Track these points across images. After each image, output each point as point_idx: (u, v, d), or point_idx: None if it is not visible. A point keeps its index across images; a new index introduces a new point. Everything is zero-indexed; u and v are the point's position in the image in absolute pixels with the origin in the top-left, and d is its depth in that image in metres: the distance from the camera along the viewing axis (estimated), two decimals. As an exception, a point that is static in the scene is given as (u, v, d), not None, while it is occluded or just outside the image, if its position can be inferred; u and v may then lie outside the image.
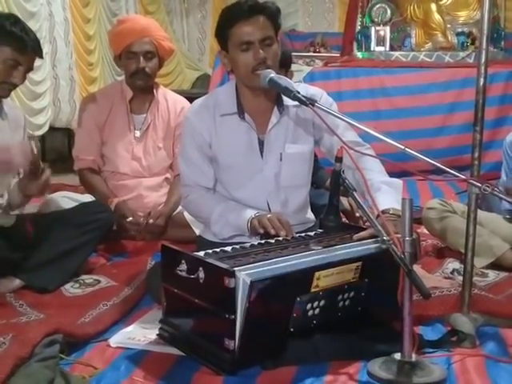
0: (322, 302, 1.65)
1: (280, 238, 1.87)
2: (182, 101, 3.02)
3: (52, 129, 5.32)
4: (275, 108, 2.06)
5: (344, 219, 3.00)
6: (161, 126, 2.95)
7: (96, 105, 2.92)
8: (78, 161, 2.94)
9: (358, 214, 2.78)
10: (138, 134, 2.92)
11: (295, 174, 2.11)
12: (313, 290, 1.61)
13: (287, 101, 2.03)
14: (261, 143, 2.07)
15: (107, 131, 2.91)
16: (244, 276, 1.49)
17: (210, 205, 2.09)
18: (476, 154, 1.84)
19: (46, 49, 4.95)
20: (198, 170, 2.12)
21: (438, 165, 1.67)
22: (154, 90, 2.94)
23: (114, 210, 2.71)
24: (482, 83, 1.83)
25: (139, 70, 2.79)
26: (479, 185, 1.64)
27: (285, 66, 2.80)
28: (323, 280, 1.62)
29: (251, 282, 1.48)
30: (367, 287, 1.74)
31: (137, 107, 2.93)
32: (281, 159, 2.07)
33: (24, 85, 2.25)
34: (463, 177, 1.69)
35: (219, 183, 2.13)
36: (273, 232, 1.88)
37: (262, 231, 1.92)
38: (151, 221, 2.77)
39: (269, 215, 1.95)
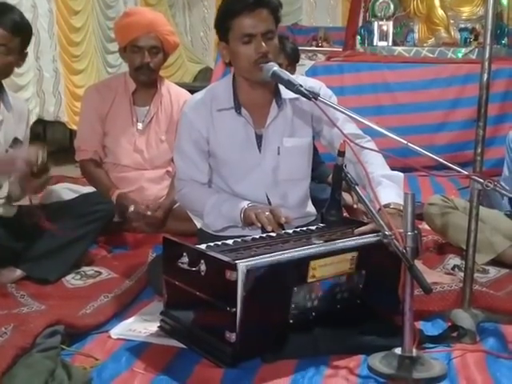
0: (320, 293, 1.66)
1: (282, 232, 1.87)
2: (185, 94, 3.01)
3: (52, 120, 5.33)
4: (274, 102, 2.05)
5: (346, 214, 3.01)
6: (164, 118, 2.95)
7: (98, 95, 2.91)
8: (80, 151, 2.94)
9: (355, 206, 2.79)
10: (140, 126, 2.92)
11: (294, 168, 2.11)
12: (309, 280, 1.62)
13: (285, 94, 2.02)
14: (258, 137, 2.06)
15: (109, 122, 2.90)
16: (241, 265, 1.50)
17: (203, 197, 2.09)
18: (479, 150, 1.84)
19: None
20: (193, 165, 2.11)
21: (441, 160, 1.67)
22: (158, 83, 2.94)
23: (115, 202, 2.71)
24: (485, 79, 1.82)
25: (143, 64, 2.79)
26: (482, 181, 1.63)
27: (295, 61, 2.83)
28: (319, 270, 1.62)
29: (247, 269, 1.49)
30: (365, 279, 1.74)
31: (140, 99, 2.92)
32: (278, 153, 2.07)
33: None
34: (466, 173, 1.69)
35: (219, 177, 2.13)
36: (259, 225, 1.88)
37: (259, 225, 1.91)
38: (149, 213, 2.76)
39: (264, 207, 1.93)
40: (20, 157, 2.04)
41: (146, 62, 2.78)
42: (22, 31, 2.15)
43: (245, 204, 1.98)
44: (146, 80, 2.85)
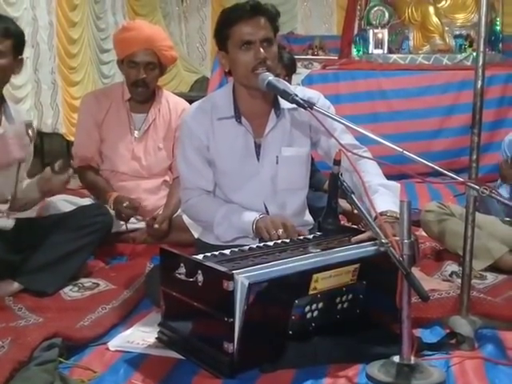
0: (321, 305, 1.65)
1: (279, 241, 1.87)
2: (183, 103, 3.03)
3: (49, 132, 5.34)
4: (272, 111, 2.07)
5: (344, 221, 3.01)
6: (162, 126, 2.96)
7: (96, 102, 2.93)
8: (77, 158, 2.95)
9: (356, 211, 2.80)
10: (137, 134, 2.93)
11: (292, 177, 2.11)
12: (311, 292, 1.61)
13: (284, 104, 2.03)
14: (257, 146, 2.07)
15: (105, 129, 2.92)
16: (242, 279, 1.50)
17: (211, 208, 2.09)
18: (474, 157, 1.85)
19: (27, 53, 4.93)
20: (198, 172, 2.12)
21: (436, 167, 1.67)
22: (156, 92, 2.95)
23: (113, 204, 2.73)
24: (479, 86, 1.83)
25: (139, 80, 2.81)
26: (477, 187, 1.64)
27: (293, 71, 2.86)
28: (321, 282, 1.62)
29: (249, 284, 1.48)
30: (365, 289, 1.74)
31: (137, 106, 2.93)
32: (277, 162, 2.08)
33: (5, 88, 2.25)
34: (461, 179, 1.70)
35: (217, 186, 2.13)
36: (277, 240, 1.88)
37: (267, 237, 1.90)
38: (157, 226, 2.77)
39: (276, 221, 1.92)
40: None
41: (141, 78, 2.80)
42: (13, 34, 2.15)
43: (256, 215, 1.98)
44: (141, 97, 2.88)
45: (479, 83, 1.83)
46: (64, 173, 2.19)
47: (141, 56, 2.79)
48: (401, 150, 1.71)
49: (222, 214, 2.04)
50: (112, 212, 2.69)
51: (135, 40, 2.78)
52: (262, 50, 1.94)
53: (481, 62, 1.83)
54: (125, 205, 2.74)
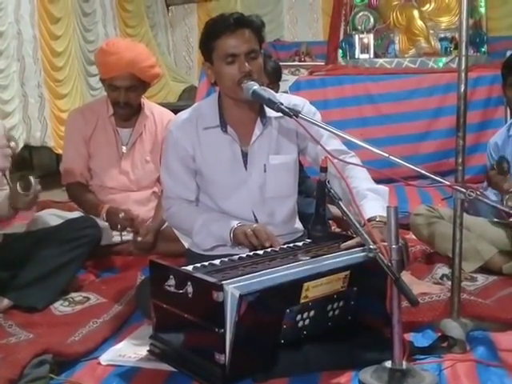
0: (312, 313, 1.65)
1: (268, 250, 1.87)
2: (168, 114, 3.02)
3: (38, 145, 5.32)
4: (258, 120, 2.07)
5: (334, 227, 3.02)
6: (148, 139, 2.96)
7: (82, 118, 2.92)
8: (66, 175, 2.94)
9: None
10: (124, 148, 2.92)
11: (280, 185, 2.11)
12: (302, 300, 1.61)
13: (270, 112, 2.03)
14: (244, 155, 2.07)
15: (93, 145, 2.91)
16: (233, 289, 1.49)
17: (191, 216, 2.08)
18: (460, 160, 1.86)
19: (13, 67, 4.90)
20: (181, 182, 2.12)
21: (422, 171, 1.68)
22: (140, 105, 2.94)
23: (106, 216, 2.73)
24: (462, 89, 1.84)
25: (120, 102, 2.80)
26: (464, 190, 1.65)
27: (277, 80, 2.87)
28: (312, 290, 1.62)
29: (240, 295, 1.47)
30: (356, 296, 1.74)
31: (122, 121, 2.92)
32: (265, 170, 2.08)
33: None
34: (448, 183, 1.70)
35: (206, 195, 2.13)
36: (258, 245, 1.88)
37: (245, 240, 1.91)
38: (139, 239, 2.76)
39: (254, 226, 1.93)
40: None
41: (122, 101, 2.79)
42: None
43: (234, 224, 1.98)
44: (124, 116, 2.88)
45: (462, 87, 1.84)
46: (29, 190, 2.12)
47: (121, 81, 2.76)
48: (387, 155, 1.71)
49: (200, 223, 2.04)
50: (103, 224, 2.68)
51: (115, 65, 2.75)
52: (246, 63, 1.94)
53: (463, 66, 1.84)
54: (121, 216, 2.72)
